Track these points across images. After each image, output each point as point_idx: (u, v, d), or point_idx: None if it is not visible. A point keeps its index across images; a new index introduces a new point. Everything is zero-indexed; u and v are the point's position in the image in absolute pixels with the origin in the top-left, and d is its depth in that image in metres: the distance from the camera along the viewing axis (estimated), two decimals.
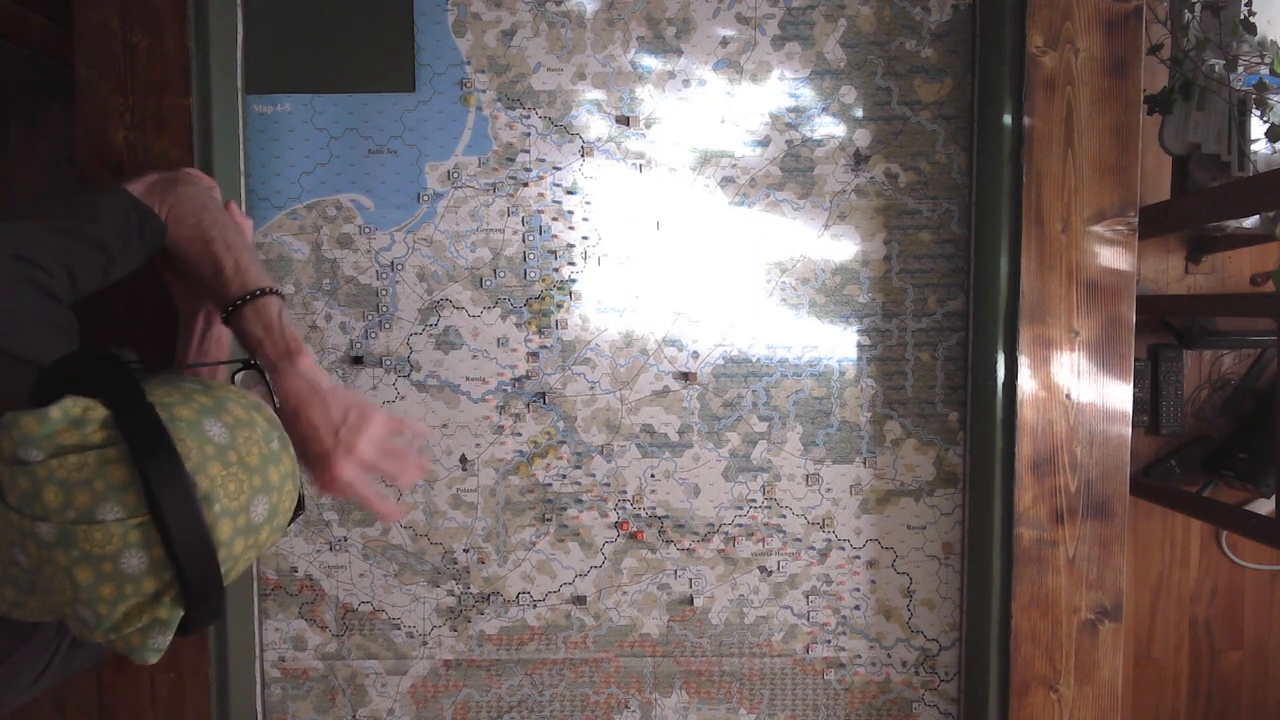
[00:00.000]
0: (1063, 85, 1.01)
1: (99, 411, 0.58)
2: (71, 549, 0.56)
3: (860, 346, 1.07)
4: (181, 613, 0.61)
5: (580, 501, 1.09)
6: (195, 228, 0.85)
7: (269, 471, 0.64)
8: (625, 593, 1.10)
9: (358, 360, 1.07)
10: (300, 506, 0.76)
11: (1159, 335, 2.04)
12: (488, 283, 1.07)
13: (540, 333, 1.07)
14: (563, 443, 1.08)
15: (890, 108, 1.06)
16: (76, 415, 0.57)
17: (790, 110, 1.06)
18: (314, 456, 0.80)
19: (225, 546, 0.61)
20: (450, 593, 1.09)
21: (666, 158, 1.06)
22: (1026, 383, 1.02)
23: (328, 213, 1.06)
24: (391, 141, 1.06)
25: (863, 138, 1.06)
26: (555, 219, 1.06)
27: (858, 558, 1.09)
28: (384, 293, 1.07)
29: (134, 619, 0.59)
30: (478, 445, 1.08)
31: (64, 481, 0.56)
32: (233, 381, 0.80)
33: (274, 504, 0.65)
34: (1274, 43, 1.63)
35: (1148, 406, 2.04)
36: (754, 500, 1.09)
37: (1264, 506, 1.99)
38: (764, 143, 1.06)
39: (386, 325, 1.07)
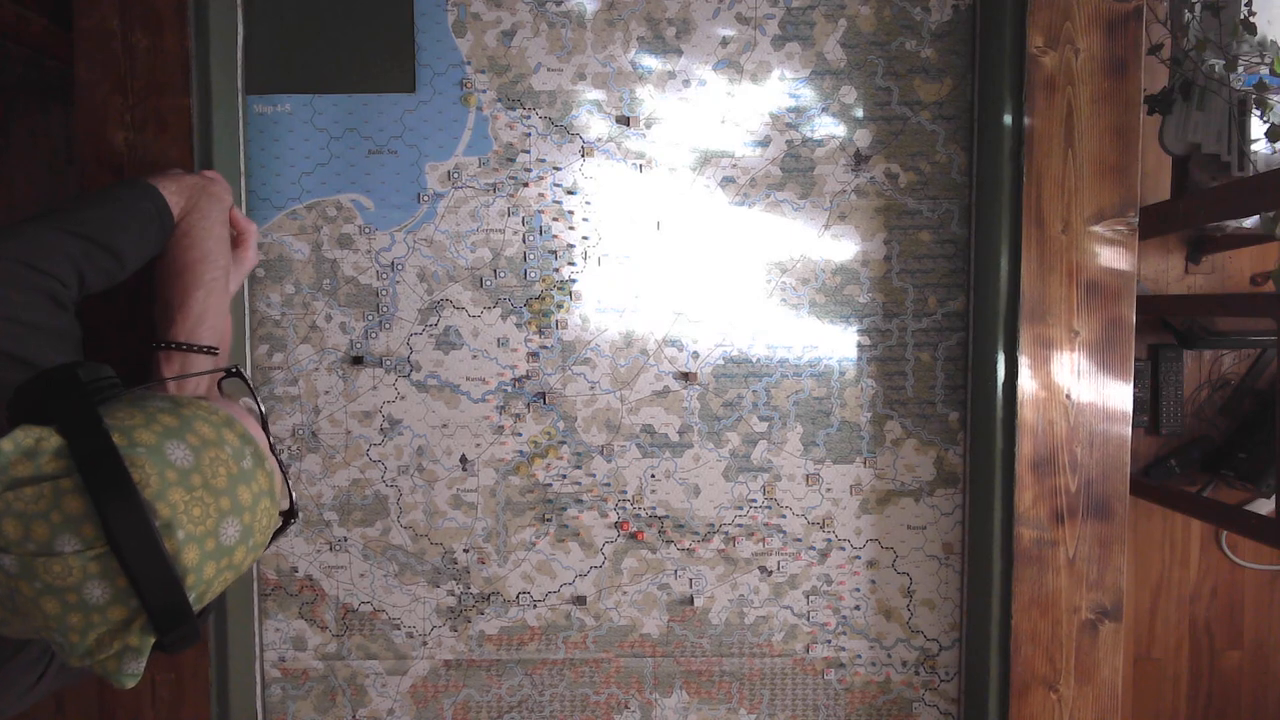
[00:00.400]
0: (1063, 85, 1.01)
1: (52, 441, 0.57)
2: (34, 581, 0.56)
3: (860, 346, 1.07)
4: (153, 639, 0.60)
5: (580, 501, 1.09)
6: (189, 250, 0.86)
7: (239, 492, 0.62)
8: (625, 593, 1.10)
9: (358, 360, 1.07)
10: (292, 515, 0.75)
11: (1159, 335, 2.05)
12: (488, 283, 1.07)
13: (540, 333, 1.07)
14: (563, 443, 1.08)
15: (890, 108, 1.06)
16: (29, 446, 0.56)
17: (790, 110, 1.06)
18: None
19: (193, 572, 0.59)
20: (450, 593, 1.09)
21: (666, 158, 1.06)
22: (1026, 383, 1.02)
23: (328, 213, 1.06)
24: (391, 142, 1.06)
25: (863, 138, 1.06)
26: (555, 219, 1.06)
27: (858, 558, 1.09)
28: (384, 293, 1.07)
29: (106, 646, 0.59)
30: (478, 445, 1.08)
31: (21, 514, 0.55)
32: (220, 391, 0.80)
33: (247, 524, 0.63)
34: (1274, 43, 1.63)
35: (1148, 406, 2.04)
36: (754, 500, 1.09)
37: (1264, 506, 1.99)
38: (764, 143, 1.06)
39: (386, 325, 1.07)
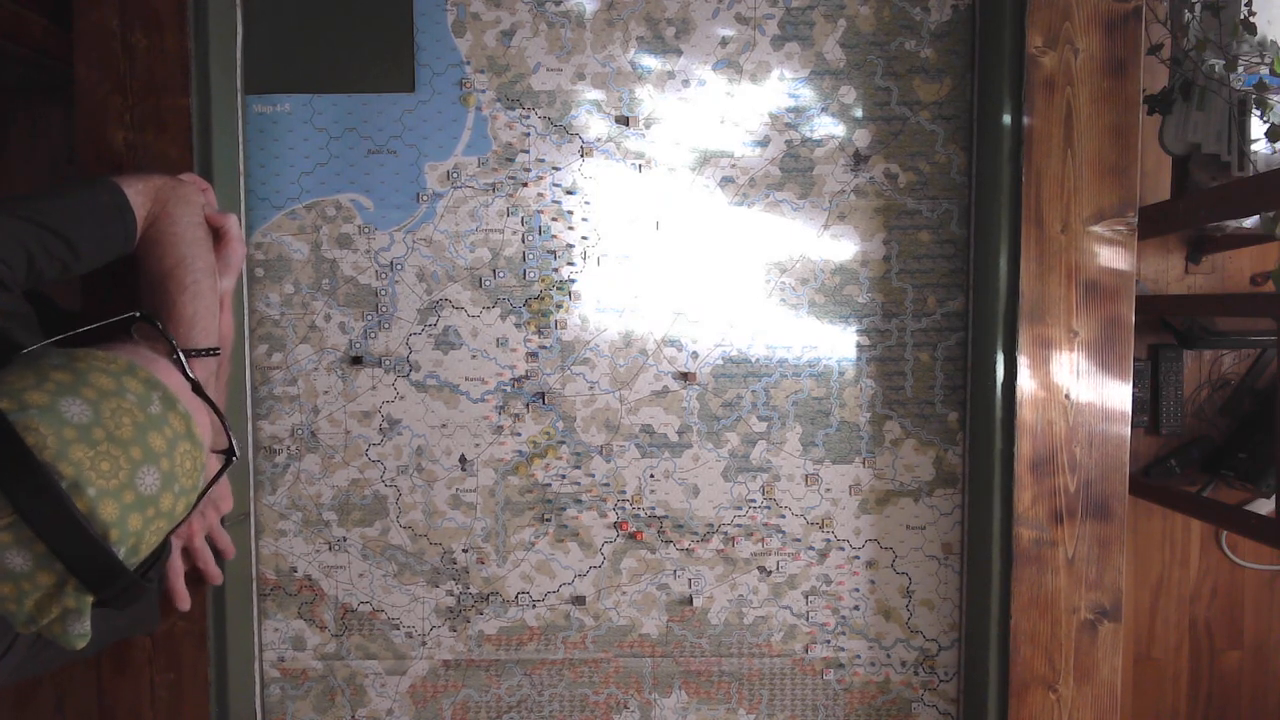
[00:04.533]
0: (1062, 85, 1.01)
1: None
2: None
3: (860, 347, 1.07)
4: (90, 599, 0.59)
5: (579, 502, 1.09)
6: (164, 258, 0.85)
7: (149, 439, 0.61)
8: (624, 593, 1.10)
9: (357, 360, 1.07)
10: (230, 456, 0.73)
11: (1159, 335, 2.05)
12: (487, 283, 1.07)
13: (540, 333, 1.07)
14: (562, 443, 1.08)
15: (890, 108, 1.06)
16: None
17: (790, 110, 1.06)
18: None
19: (115, 527, 0.59)
20: (449, 593, 1.09)
21: (666, 158, 1.06)
22: (1026, 383, 1.02)
23: (327, 213, 1.06)
24: (391, 141, 1.06)
25: (862, 138, 1.06)
26: (555, 219, 1.06)
27: (857, 558, 1.09)
28: (383, 293, 1.07)
29: (46, 610, 0.58)
30: (477, 445, 1.08)
31: None
32: (130, 336, 0.76)
33: (167, 470, 0.62)
34: (1274, 43, 1.63)
35: (1148, 406, 2.04)
36: (753, 500, 1.09)
37: (1264, 506, 1.99)
38: (763, 143, 1.06)
39: (386, 325, 1.07)
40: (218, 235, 0.93)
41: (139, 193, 0.86)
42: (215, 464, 0.74)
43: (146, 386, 0.64)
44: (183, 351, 0.82)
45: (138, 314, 0.75)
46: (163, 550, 0.68)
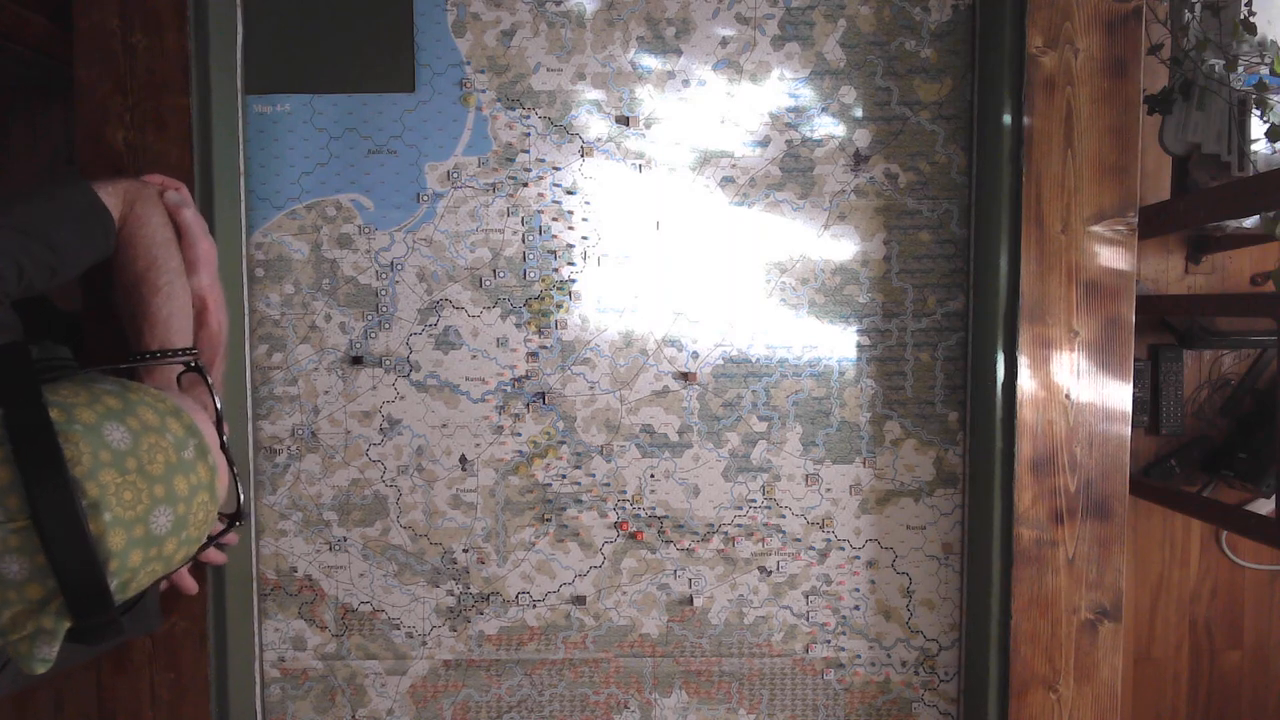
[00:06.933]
0: (1062, 85, 1.01)
1: None
2: None
3: (860, 346, 1.07)
4: (68, 624, 0.59)
5: (580, 501, 1.09)
6: (136, 260, 0.84)
7: (174, 481, 0.62)
8: (625, 593, 1.10)
9: (357, 360, 1.07)
10: (238, 517, 0.74)
11: (1159, 335, 2.05)
12: (487, 283, 1.07)
13: (540, 333, 1.07)
14: (562, 443, 1.08)
15: (890, 108, 1.06)
16: None
17: (790, 110, 1.06)
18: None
19: (117, 557, 0.59)
20: (450, 593, 1.09)
21: (666, 158, 1.06)
22: (1026, 383, 1.02)
23: (327, 213, 1.06)
24: (391, 141, 1.06)
25: (862, 138, 1.06)
26: (555, 219, 1.06)
27: (857, 558, 1.09)
28: (384, 293, 1.07)
29: (20, 625, 0.58)
30: (477, 445, 1.08)
31: None
32: (178, 384, 0.79)
33: (180, 515, 0.62)
34: (1274, 43, 1.63)
35: (1148, 406, 2.04)
36: (753, 500, 1.09)
37: (1264, 506, 1.99)
38: (764, 143, 1.06)
39: (386, 325, 1.07)
40: (179, 233, 0.90)
41: (109, 194, 0.85)
42: (219, 526, 0.75)
43: (187, 432, 0.65)
44: (157, 353, 0.82)
45: (192, 363, 0.78)
46: (141, 597, 0.67)
